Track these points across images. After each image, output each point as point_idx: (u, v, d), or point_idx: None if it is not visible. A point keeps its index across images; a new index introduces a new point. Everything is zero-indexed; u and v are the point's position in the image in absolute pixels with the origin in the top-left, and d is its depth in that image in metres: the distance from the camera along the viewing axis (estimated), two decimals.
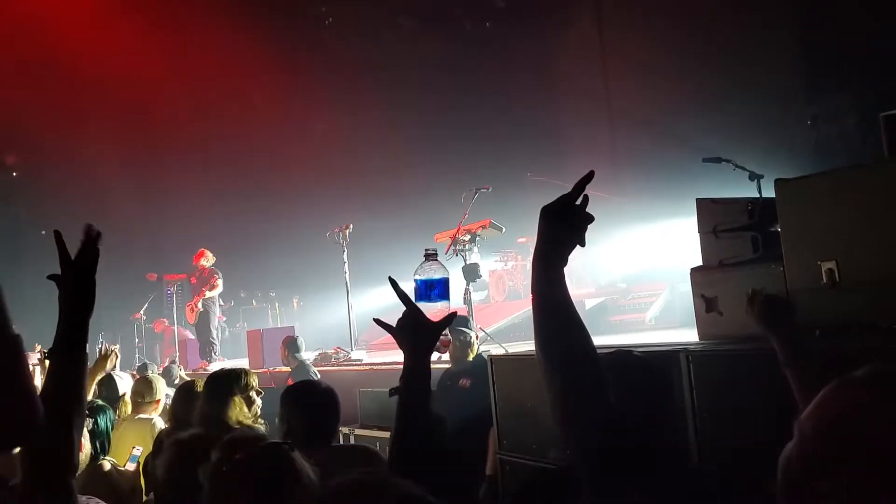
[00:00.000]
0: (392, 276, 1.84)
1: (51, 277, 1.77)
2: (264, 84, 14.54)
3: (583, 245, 1.55)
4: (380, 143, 13.97)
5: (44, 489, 1.64)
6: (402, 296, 1.85)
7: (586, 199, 1.55)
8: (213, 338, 11.97)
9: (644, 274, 10.81)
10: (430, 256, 1.91)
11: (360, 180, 14.28)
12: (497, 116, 14.06)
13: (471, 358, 7.46)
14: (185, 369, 12.29)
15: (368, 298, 14.92)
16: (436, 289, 1.91)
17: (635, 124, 12.55)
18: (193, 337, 13.46)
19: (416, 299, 1.85)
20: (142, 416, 4.88)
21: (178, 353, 13.43)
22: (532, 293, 1.65)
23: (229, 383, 3.55)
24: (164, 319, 15.38)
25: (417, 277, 1.90)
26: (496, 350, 5.87)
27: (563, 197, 1.57)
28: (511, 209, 9.46)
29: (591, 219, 1.55)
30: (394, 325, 1.84)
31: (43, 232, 19.90)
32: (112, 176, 15.64)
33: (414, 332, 1.81)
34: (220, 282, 11.88)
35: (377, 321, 2.05)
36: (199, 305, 11.97)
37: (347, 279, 9.86)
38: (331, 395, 3.28)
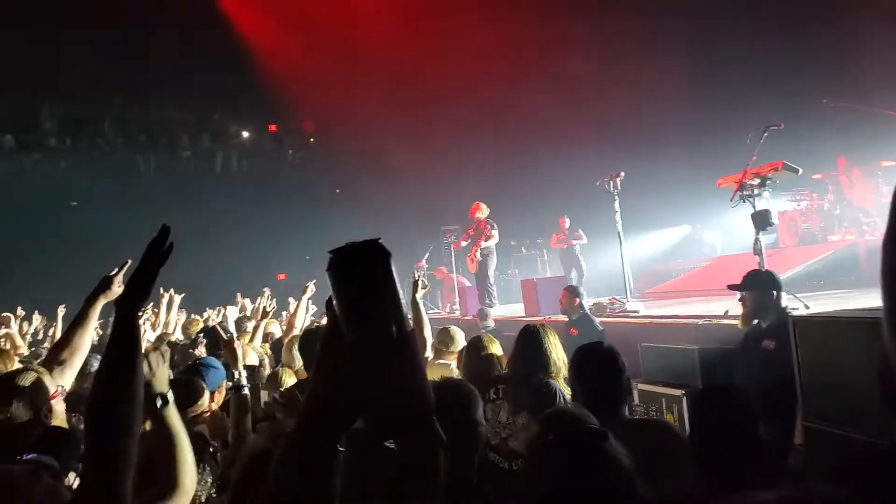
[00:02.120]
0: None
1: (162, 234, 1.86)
2: (531, 35, 14.55)
3: None
4: (651, 85, 13.33)
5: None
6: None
7: None
8: (490, 286, 12.46)
9: None
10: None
11: (631, 126, 13.81)
12: (782, 45, 12.62)
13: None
14: (465, 314, 13.05)
15: (641, 246, 14.57)
16: None
17: None
18: (471, 284, 14.19)
19: None
20: (441, 361, 5.25)
21: (458, 299, 14.31)
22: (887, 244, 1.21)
23: None
24: (444, 267, 16.34)
25: None
26: (794, 304, 5.36)
27: None
28: (805, 144, 8.52)
29: None
30: None
31: (337, 190, 22.28)
32: (393, 138, 16.83)
33: None
34: (495, 232, 12.31)
35: None
36: (477, 255, 12.52)
37: (620, 228, 9.61)
38: (618, 359, 3.20)
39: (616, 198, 9.58)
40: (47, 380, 2.82)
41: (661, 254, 16.13)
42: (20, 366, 3.80)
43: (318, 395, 1.19)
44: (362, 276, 1.15)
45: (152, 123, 22.15)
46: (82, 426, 2.06)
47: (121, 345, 1.76)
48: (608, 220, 10.00)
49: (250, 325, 7.86)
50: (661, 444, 2.73)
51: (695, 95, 13.11)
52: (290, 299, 7.79)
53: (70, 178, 20.29)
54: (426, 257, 16.04)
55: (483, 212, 12.50)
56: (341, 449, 1.15)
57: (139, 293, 1.81)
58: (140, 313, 1.84)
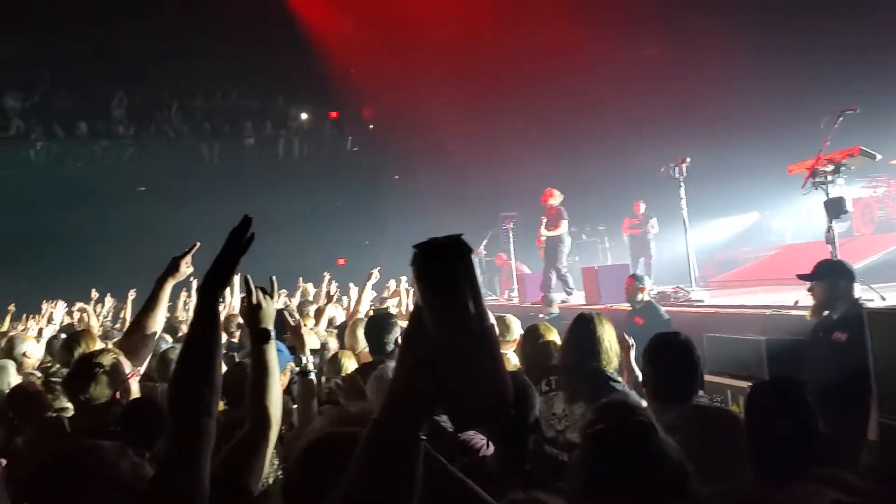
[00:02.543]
0: None
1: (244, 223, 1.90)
2: (597, 17, 14.31)
3: None
4: (719, 68, 12.97)
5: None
6: None
7: None
8: (563, 273, 12.28)
9: None
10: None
11: (698, 111, 13.45)
12: (858, 25, 12.08)
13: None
14: (523, 301, 12.99)
15: (706, 233, 14.21)
16: None
17: None
18: (530, 271, 14.10)
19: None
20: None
21: (516, 286, 14.25)
22: None
23: None
24: (503, 254, 16.28)
25: None
26: (868, 296, 5.17)
27: None
28: (883, 129, 8.16)
29: None
30: None
31: (396, 177, 22.42)
32: (452, 124, 16.81)
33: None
34: (562, 221, 12.06)
35: None
36: (543, 241, 12.32)
37: (685, 215, 9.41)
38: (694, 351, 3.15)
39: (682, 184, 9.38)
40: (123, 361, 2.92)
41: (728, 241, 15.71)
42: (101, 346, 3.95)
43: (402, 384, 1.23)
44: (445, 271, 1.18)
45: (216, 111, 22.66)
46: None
47: (201, 330, 1.82)
48: (673, 207, 9.81)
49: (312, 309, 8.01)
50: (729, 435, 2.70)
51: (765, 78, 12.69)
52: (351, 285, 7.91)
53: (137, 164, 20.92)
54: (484, 244, 16.01)
55: (556, 198, 12.30)
56: (423, 437, 1.19)
57: (220, 280, 1.86)
58: (220, 300, 1.89)
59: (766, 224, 15.87)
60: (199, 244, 3.52)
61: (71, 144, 20.76)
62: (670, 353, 3.14)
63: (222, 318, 7.27)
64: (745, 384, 5.41)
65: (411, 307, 7.95)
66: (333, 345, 5.43)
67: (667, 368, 3.12)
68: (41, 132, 20.45)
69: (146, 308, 3.33)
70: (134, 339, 3.25)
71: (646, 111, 14.18)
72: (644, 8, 14.50)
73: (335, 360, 4.45)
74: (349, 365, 4.35)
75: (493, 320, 1.23)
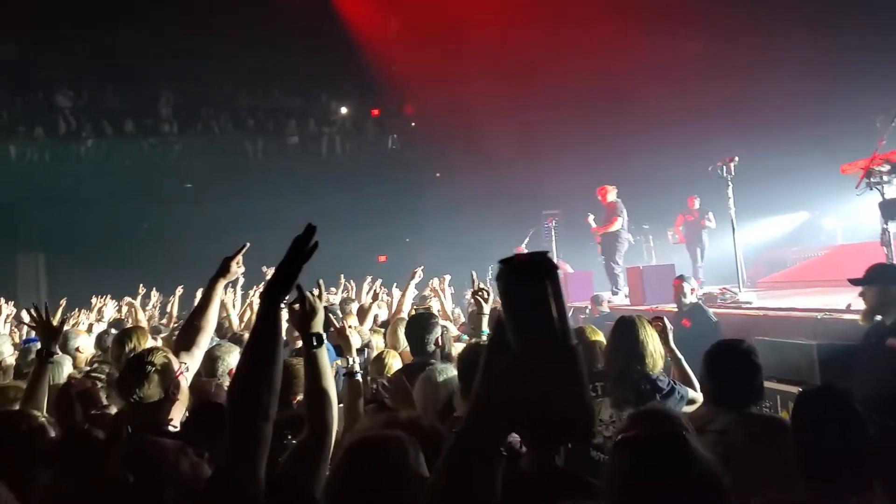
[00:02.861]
0: None
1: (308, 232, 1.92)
2: (642, 13, 14.11)
3: None
4: (768, 65, 12.69)
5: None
6: None
7: None
8: (615, 271, 12.15)
9: None
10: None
11: (746, 109, 13.18)
12: None
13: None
14: (568, 301, 12.86)
15: (753, 233, 13.90)
16: None
17: None
18: (573, 270, 13.97)
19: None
20: None
21: None
22: None
23: None
24: (547, 252, 16.12)
25: None
26: None
27: None
28: None
29: None
30: None
31: (437, 174, 22.44)
32: (494, 122, 16.74)
33: None
34: (617, 217, 11.89)
35: None
36: (603, 238, 12.16)
37: (733, 214, 9.22)
38: (756, 359, 3.11)
39: (730, 183, 9.20)
40: (172, 358, 2.96)
41: (776, 241, 15.34)
42: (153, 342, 4.02)
43: (483, 399, 1.24)
44: (532, 288, 1.18)
45: (260, 109, 22.94)
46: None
47: (264, 336, 1.84)
48: (720, 206, 9.63)
49: (354, 307, 8.06)
50: (781, 444, 2.64)
51: (817, 75, 12.34)
52: (395, 287, 7.98)
53: (183, 161, 21.30)
54: (525, 242, 15.92)
55: (611, 193, 12.16)
56: (504, 453, 1.21)
57: (282, 287, 1.89)
58: (282, 306, 1.92)
59: (816, 224, 15.49)
60: (248, 245, 3.57)
61: (119, 142, 21.22)
62: (730, 360, 3.16)
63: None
64: (796, 389, 5.28)
65: (448, 306, 7.98)
66: (379, 343, 5.45)
67: (725, 374, 3.14)
68: (90, 130, 20.94)
69: (199, 307, 3.39)
70: (188, 337, 3.31)
71: (693, 109, 13.92)
72: (691, 3, 14.23)
73: (380, 359, 4.46)
74: (394, 364, 4.36)
75: (577, 340, 1.22)
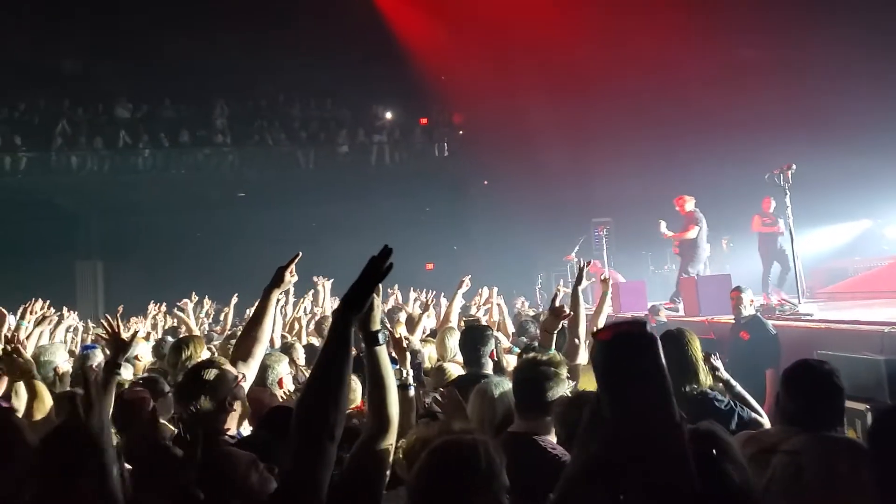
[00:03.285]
0: None
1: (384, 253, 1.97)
2: (695, 18, 13.88)
3: None
4: (827, 70, 12.33)
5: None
6: None
7: None
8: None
9: None
10: None
11: (804, 116, 12.82)
12: None
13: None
14: (618, 311, 12.65)
15: (812, 242, 13.48)
16: None
17: None
18: (624, 280, 13.76)
19: None
20: None
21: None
22: None
23: None
24: (597, 261, 15.94)
25: None
26: None
27: None
28: None
29: None
30: None
31: (485, 182, 22.41)
32: (543, 129, 16.64)
33: None
34: (695, 226, 11.59)
35: None
36: (681, 246, 11.89)
37: (791, 223, 8.95)
38: (837, 381, 2.99)
39: (787, 192, 8.93)
40: (230, 368, 2.98)
41: (837, 250, 14.85)
42: (208, 352, 4.07)
43: (582, 466, 1.26)
44: (630, 363, 1.16)
45: (311, 119, 23.26)
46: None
47: (334, 353, 1.85)
48: (777, 215, 9.38)
49: (402, 316, 8.06)
50: (856, 468, 2.51)
51: (877, 79, 11.95)
52: (442, 296, 7.96)
53: (237, 171, 21.73)
54: (576, 250, 15.75)
55: (689, 203, 11.90)
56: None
57: (357, 305, 1.90)
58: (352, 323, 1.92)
59: (878, 232, 14.95)
60: (301, 254, 3.59)
61: (175, 153, 21.76)
62: (809, 381, 3.03)
63: (314, 321, 7.40)
64: (863, 406, 5.09)
65: (497, 317, 7.90)
66: (431, 353, 5.43)
67: (804, 395, 3.01)
68: (148, 141, 21.52)
69: (254, 318, 3.42)
70: (244, 347, 3.34)
71: (749, 117, 13.62)
72: (747, 10, 13.93)
73: (441, 370, 4.44)
74: (455, 374, 4.34)
75: (684, 416, 1.22)
